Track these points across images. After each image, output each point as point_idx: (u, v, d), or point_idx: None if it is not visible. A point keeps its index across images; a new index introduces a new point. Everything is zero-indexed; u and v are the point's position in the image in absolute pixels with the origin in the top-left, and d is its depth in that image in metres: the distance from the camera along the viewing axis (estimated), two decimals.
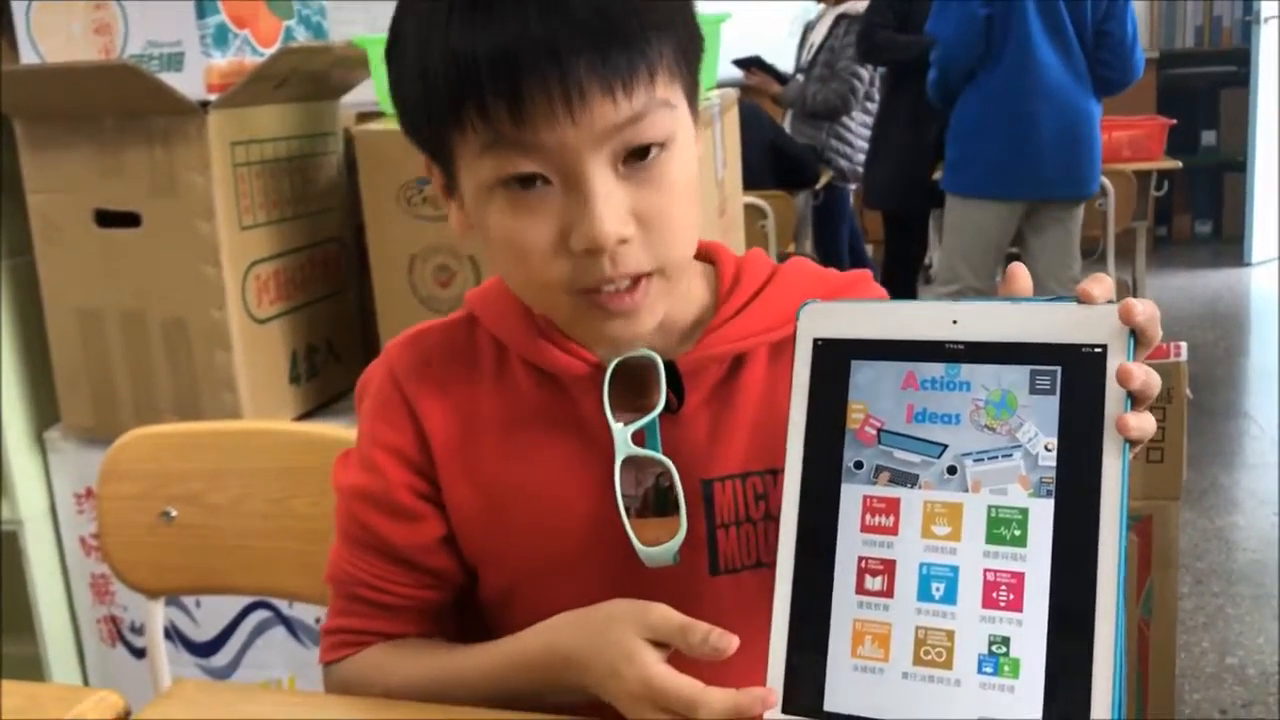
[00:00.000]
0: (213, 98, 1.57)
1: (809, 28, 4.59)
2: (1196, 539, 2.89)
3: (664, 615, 0.69)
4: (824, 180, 4.19)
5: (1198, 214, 6.47)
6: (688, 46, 0.73)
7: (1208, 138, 6.37)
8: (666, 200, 0.72)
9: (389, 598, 0.85)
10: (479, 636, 0.83)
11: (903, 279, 4.00)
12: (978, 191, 3.16)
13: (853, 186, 4.49)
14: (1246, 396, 4.03)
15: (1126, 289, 3.53)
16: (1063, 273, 3.14)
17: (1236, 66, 6.07)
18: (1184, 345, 1.49)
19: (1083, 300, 0.61)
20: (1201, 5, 6.25)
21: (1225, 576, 2.71)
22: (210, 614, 1.73)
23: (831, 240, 4.43)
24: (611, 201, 0.69)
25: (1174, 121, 3.90)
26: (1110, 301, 0.61)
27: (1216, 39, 6.26)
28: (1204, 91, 6.28)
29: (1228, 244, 6.15)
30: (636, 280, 0.72)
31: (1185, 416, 1.54)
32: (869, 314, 0.66)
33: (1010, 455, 0.61)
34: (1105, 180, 3.35)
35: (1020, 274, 0.66)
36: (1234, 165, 6.11)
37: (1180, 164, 3.78)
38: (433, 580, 0.85)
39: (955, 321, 0.63)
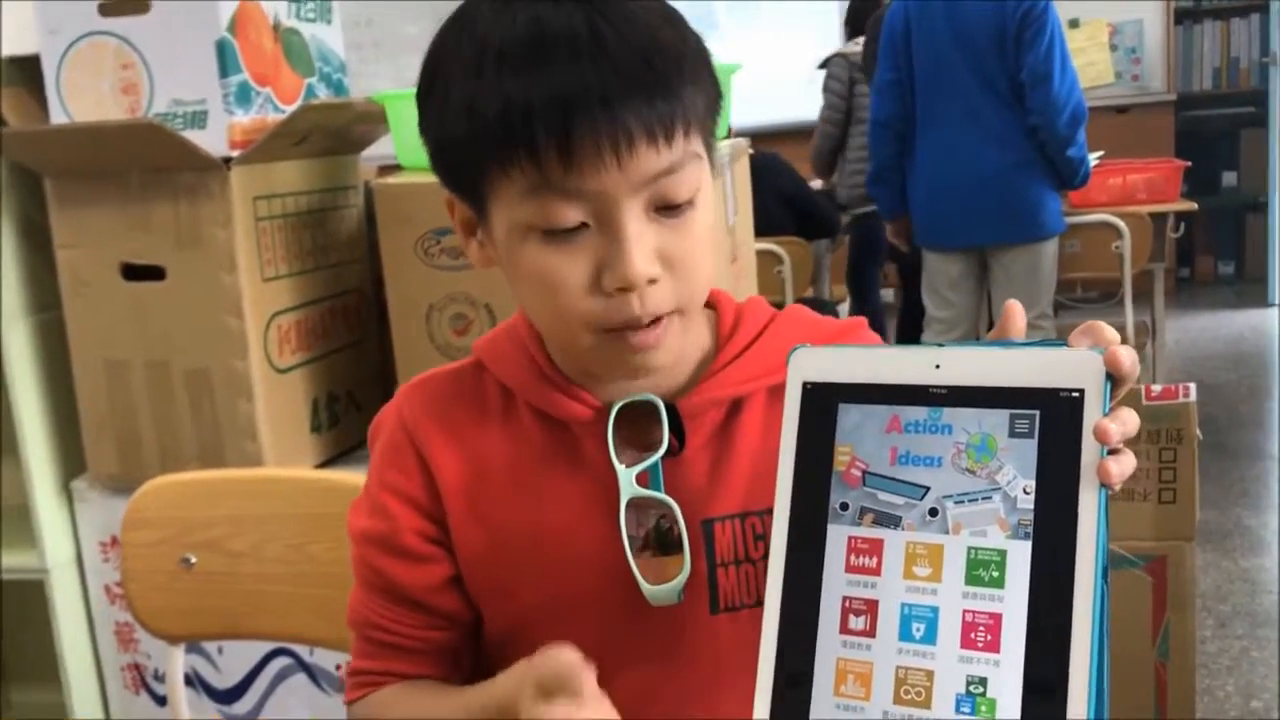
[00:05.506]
0: (235, 154, 1.61)
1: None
2: (1220, 581, 2.87)
3: (551, 665, 0.68)
4: (862, 210, 4.20)
5: (1220, 255, 6.45)
6: (714, 101, 0.77)
7: (1228, 178, 6.36)
8: (691, 244, 0.75)
9: (401, 639, 0.87)
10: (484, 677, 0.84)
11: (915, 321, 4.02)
12: (921, 241, 3.36)
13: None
14: (1271, 437, 4.00)
15: (1145, 330, 3.52)
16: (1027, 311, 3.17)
17: (1255, 107, 6.08)
18: (1193, 386, 1.50)
19: (1070, 346, 0.61)
20: (1218, 47, 6.27)
21: (1250, 619, 2.69)
22: (232, 661, 1.74)
23: (864, 275, 4.45)
24: (642, 243, 0.73)
25: (1188, 164, 3.89)
26: (1093, 348, 0.61)
27: (1234, 80, 6.27)
28: (1223, 132, 6.27)
29: (1251, 284, 6.13)
30: (658, 318, 0.75)
31: (1196, 456, 1.55)
32: (856, 358, 0.66)
33: (990, 498, 0.61)
34: (1120, 223, 3.36)
35: (1014, 313, 0.67)
36: (1255, 206, 6.10)
37: (1195, 205, 3.76)
38: (442, 621, 0.87)
39: (938, 366, 0.63)
